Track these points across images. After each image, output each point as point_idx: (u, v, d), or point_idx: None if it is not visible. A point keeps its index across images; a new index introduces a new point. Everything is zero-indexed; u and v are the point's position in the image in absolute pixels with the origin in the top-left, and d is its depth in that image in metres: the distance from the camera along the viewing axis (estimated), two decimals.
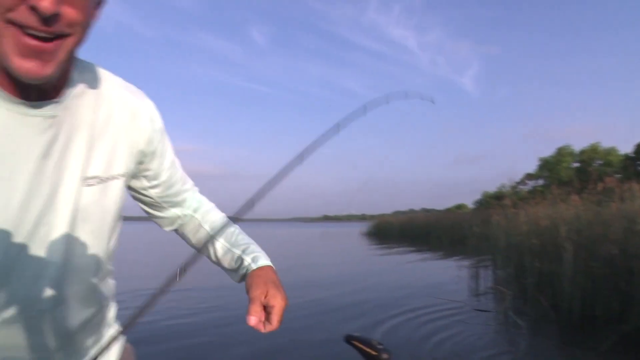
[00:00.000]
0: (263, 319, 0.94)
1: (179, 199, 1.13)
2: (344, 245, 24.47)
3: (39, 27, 0.68)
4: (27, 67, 0.70)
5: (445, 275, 10.41)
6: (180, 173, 1.12)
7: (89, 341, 0.98)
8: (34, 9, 0.65)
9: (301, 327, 5.60)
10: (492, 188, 47.66)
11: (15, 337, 0.84)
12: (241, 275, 1.07)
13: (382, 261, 14.62)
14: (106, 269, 1.01)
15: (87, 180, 0.88)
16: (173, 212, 1.14)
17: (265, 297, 0.96)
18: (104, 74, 0.92)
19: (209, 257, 1.13)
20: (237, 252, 1.09)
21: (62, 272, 0.87)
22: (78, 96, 0.85)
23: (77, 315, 0.94)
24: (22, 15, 0.66)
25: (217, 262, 1.13)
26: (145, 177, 1.04)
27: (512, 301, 6.82)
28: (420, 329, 5.61)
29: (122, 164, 0.94)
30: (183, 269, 0.59)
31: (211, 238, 1.12)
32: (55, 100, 0.80)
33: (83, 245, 0.90)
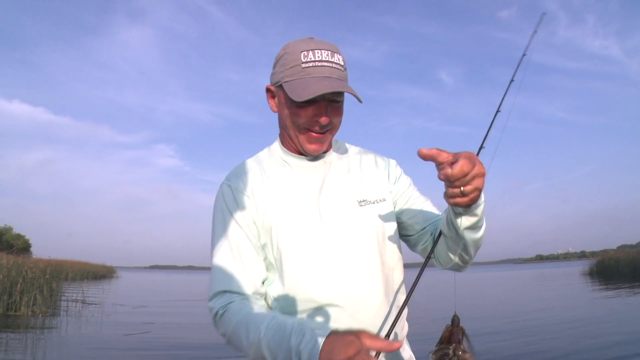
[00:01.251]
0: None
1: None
2: (562, 287, 22.45)
3: (319, 130, 1.28)
4: (313, 148, 1.30)
5: None
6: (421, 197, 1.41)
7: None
8: (317, 122, 1.26)
9: None
10: None
11: (335, 322, 1.18)
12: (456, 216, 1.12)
13: (609, 305, 12.91)
14: (392, 282, 1.30)
15: (360, 203, 1.31)
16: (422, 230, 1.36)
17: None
18: (348, 145, 1.48)
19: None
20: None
21: (357, 274, 1.23)
22: (335, 154, 1.40)
23: (376, 310, 1.23)
24: (311, 125, 1.27)
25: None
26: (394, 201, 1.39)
27: None
28: None
29: (381, 192, 1.37)
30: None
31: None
32: (323, 157, 1.37)
33: (370, 251, 1.27)
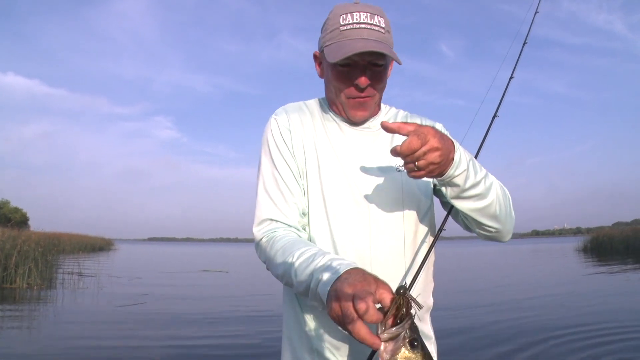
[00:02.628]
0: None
1: None
2: (555, 263, 22.72)
3: (359, 95, 1.27)
4: (357, 115, 1.30)
5: None
6: None
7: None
8: (355, 85, 1.25)
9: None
10: None
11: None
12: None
13: (599, 282, 13.17)
14: (419, 252, 1.28)
15: (398, 168, 1.26)
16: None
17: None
18: (396, 110, 1.45)
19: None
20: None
21: (396, 237, 1.25)
22: (380, 120, 1.31)
23: (398, 277, 1.23)
24: (351, 90, 1.26)
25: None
26: None
27: None
28: None
29: None
30: None
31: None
32: (369, 121, 1.35)
33: (409, 217, 1.27)
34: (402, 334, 0.85)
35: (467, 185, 1.13)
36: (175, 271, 19.33)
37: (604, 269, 17.11)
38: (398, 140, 1.29)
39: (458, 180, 1.11)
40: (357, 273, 0.92)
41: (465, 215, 1.24)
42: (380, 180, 1.28)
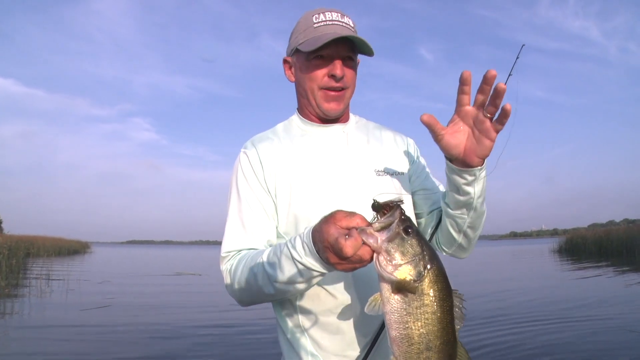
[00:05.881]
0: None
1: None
2: (531, 263, 23.01)
3: (335, 85, 1.30)
4: (331, 107, 1.33)
5: None
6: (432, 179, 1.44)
7: None
8: (332, 76, 1.29)
9: None
10: None
11: (342, 290, 1.22)
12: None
13: (570, 282, 13.30)
14: None
15: (377, 172, 1.33)
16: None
17: None
18: (366, 120, 1.49)
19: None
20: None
21: None
22: (353, 125, 1.42)
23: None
24: (326, 81, 1.30)
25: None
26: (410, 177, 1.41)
27: None
28: None
29: (399, 166, 1.39)
30: None
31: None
32: (340, 126, 1.39)
33: None
34: (395, 222, 0.88)
35: (481, 185, 1.18)
36: (147, 274, 18.99)
37: (574, 268, 17.33)
38: (373, 144, 1.40)
39: (482, 174, 1.16)
40: (326, 215, 0.96)
41: (455, 220, 1.26)
42: (359, 188, 1.29)
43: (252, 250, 1.24)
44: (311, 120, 1.40)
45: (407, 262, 0.88)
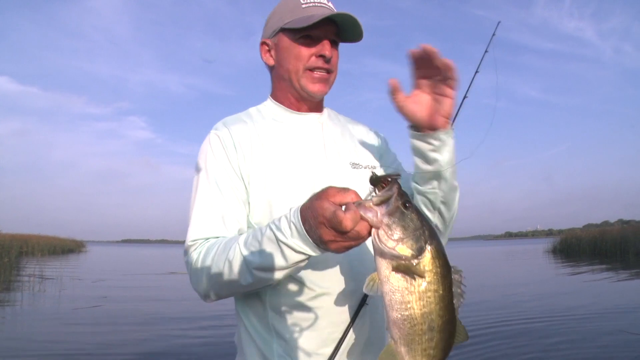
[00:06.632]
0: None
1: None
2: (525, 264, 23.07)
3: (323, 66, 1.28)
4: (317, 88, 1.29)
5: None
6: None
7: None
8: (321, 56, 1.26)
9: None
10: None
11: (320, 282, 1.17)
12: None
13: (563, 282, 13.26)
14: None
15: (353, 165, 1.32)
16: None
17: None
18: (339, 114, 1.48)
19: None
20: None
21: None
22: (327, 117, 1.39)
23: (361, 276, 1.10)
24: (314, 61, 1.27)
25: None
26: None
27: None
28: None
29: (372, 159, 1.39)
30: None
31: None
32: (316, 116, 1.36)
33: None
34: (394, 196, 0.85)
35: (449, 153, 1.17)
36: (141, 273, 18.92)
37: (569, 270, 17.43)
38: (347, 137, 1.39)
39: (449, 141, 1.16)
40: (316, 192, 0.93)
41: (427, 197, 1.23)
42: (335, 180, 1.24)
43: (221, 238, 1.15)
44: (287, 106, 1.35)
45: (409, 237, 0.84)
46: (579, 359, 5.31)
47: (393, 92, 1.13)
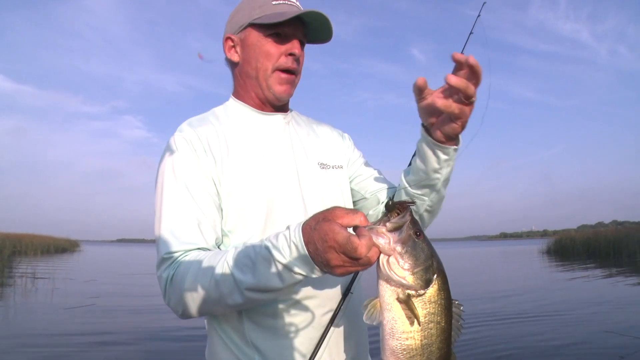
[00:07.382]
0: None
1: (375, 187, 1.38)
2: (519, 264, 23.08)
3: (292, 66, 1.24)
4: (283, 89, 1.26)
5: (636, 304, 8.80)
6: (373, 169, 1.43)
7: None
8: (291, 54, 1.23)
9: None
10: None
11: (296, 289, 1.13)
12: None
13: (557, 283, 13.17)
14: None
15: (321, 165, 1.31)
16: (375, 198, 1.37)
17: None
18: (301, 114, 1.45)
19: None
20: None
21: None
22: (292, 117, 1.37)
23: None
24: (283, 61, 1.24)
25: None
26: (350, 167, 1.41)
27: None
28: None
29: (338, 159, 1.38)
30: None
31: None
32: (282, 116, 1.32)
33: None
34: (406, 224, 0.84)
35: (450, 164, 1.13)
36: (135, 273, 18.81)
37: (562, 269, 17.42)
38: (313, 137, 1.38)
39: (454, 157, 1.12)
40: (322, 211, 0.88)
41: (414, 199, 1.21)
42: (306, 181, 1.25)
43: (202, 251, 1.07)
44: (251, 106, 1.30)
45: (419, 267, 0.84)
46: (569, 359, 5.33)
47: (421, 88, 1.00)
